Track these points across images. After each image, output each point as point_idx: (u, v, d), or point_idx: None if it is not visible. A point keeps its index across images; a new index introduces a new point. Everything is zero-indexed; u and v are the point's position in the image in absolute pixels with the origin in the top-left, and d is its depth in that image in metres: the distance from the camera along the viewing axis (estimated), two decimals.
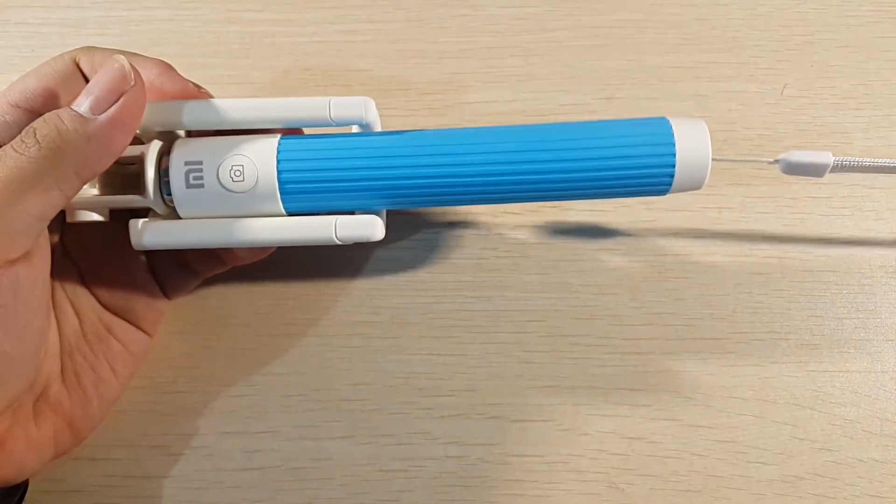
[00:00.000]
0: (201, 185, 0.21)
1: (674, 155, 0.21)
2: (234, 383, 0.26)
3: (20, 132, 0.19)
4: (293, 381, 0.26)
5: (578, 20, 0.30)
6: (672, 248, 0.27)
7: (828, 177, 0.28)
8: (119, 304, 0.24)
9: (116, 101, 0.19)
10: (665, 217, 0.28)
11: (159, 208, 0.22)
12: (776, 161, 0.23)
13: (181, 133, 0.23)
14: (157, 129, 0.22)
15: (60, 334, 0.23)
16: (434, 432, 0.26)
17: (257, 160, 0.21)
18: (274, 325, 0.27)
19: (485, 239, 0.28)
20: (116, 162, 0.20)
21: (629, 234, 0.28)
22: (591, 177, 0.21)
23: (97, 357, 0.23)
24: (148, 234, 0.22)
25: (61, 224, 0.23)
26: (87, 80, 0.21)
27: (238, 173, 0.21)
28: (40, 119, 0.19)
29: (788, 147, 0.28)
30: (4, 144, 0.19)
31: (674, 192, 0.22)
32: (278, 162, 0.21)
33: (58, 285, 0.23)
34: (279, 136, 0.22)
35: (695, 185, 0.22)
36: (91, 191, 0.22)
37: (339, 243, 0.22)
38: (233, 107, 0.22)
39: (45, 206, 0.19)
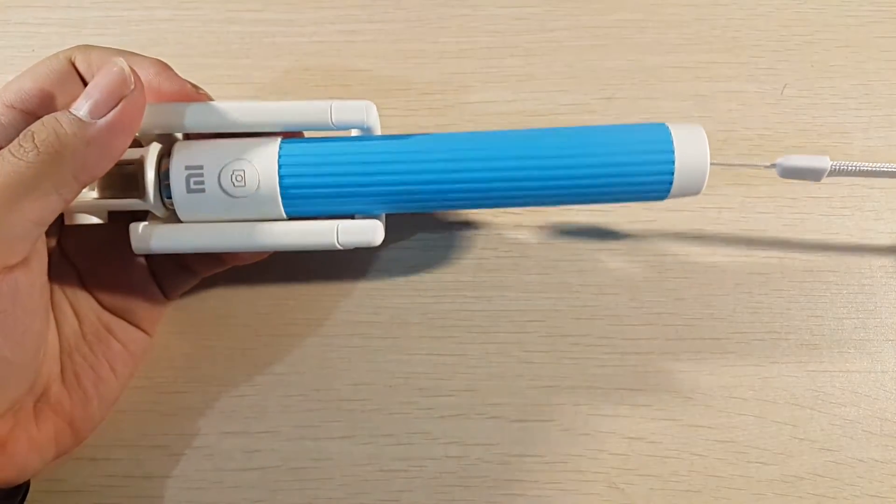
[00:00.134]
0: (202, 190, 0.21)
1: (672, 162, 0.21)
2: (234, 383, 0.26)
3: (16, 134, 0.19)
4: (293, 381, 0.26)
5: (578, 20, 0.30)
6: (672, 248, 0.27)
7: (828, 177, 0.28)
8: (118, 304, 0.24)
9: (116, 105, 0.19)
10: (665, 217, 0.28)
11: (159, 211, 0.22)
12: (773, 165, 0.23)
13: (180, 135, 0.23)
14: (157, 131, 0.22)
15: (60, 335, 0.23)
16: (434, 432, 0.26)
17: (259, 165, 0.21)
18: (274, 325, 0.27)
19: (485, 239, 0.28)
20: (115, 164, 0.20)
21: (629, 234, 0.28)
22: (589, 183, 0.22)
23: (97, 357, 0.23)
24: (149, 238, 0.22)
25: (60, 226, 0.23)
26: (83, 80, 0.21)
27: (239, 178, 0.21)
28: (38, 123, 0.19)
29: (788, 147, 0.28)
30: (1, 148, 0.18)
31: (672, 197, 0.22)
32: (280, 167, 0.21)
33: (57, 286, 0.23)
34: (280, 139, 0.22)
35: (693, 191, 0.22)
36: (90, 194, 0.22)
37: (341, 248, 0.22)
38: (233, 110, 0.21)
39: (43, 211, 0.19)
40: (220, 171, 0.21)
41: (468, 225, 0.28)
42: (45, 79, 0.20)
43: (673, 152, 0.21)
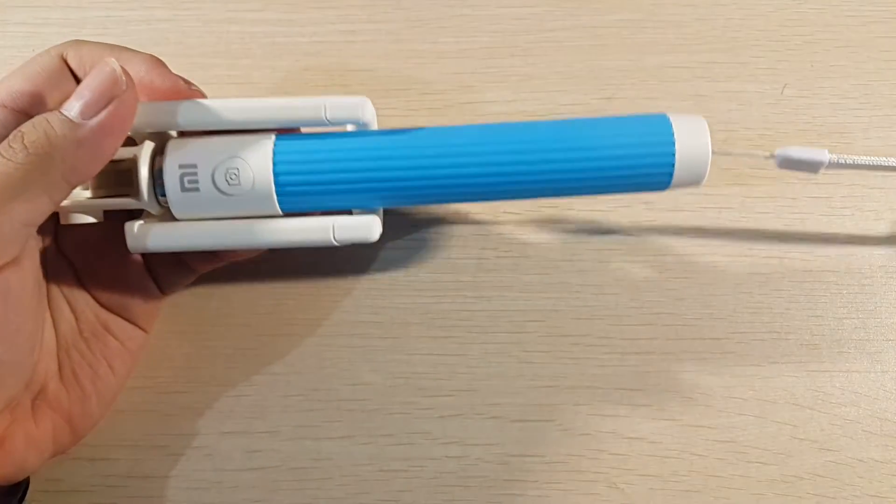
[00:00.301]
0: (196, 189, 0.21)
1: (673, 153, 0.21)
2: (234, 383, 0.26)
3: (7, 133, 0.18)
4: (293, 381, 0.26)
5: (578, 20, 0.30)
6: (672, 248, 0.27)
7: (827, 177, 0.28)
8: (115, 301, 0.24)
9: (107, 105, 0.19)
10: (665, 217, 0.28)
11: (154, 209, 0.22)
12: (772, 156, 0.23)
13: (173, 132, 0.23)
14: (150, 130, 0.22)
15: (57, 332, 0.23)
16: (434, 432, 0.26)
17: (253, 162, 0.21)
18: (274, 325, 0.27)
19: (485, 239, 0.28)
20: (109, 162, 0.20)
21: (629, 234, 0.28)
22: (590, 174, 0.21)
23: (94, 354, 0.23)
24: (145, 237, 0.22)
25: (55, 224, 0.23)
26: (75, 76, 0.21)
27: (234, 176, 0.21)
28: (28, 123, 0.18)
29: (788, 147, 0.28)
30: None
31: (674, 187, 0.22)
32: (274, 164, 0.21)
33: (53, 284, 0.23)
34: (274, 135, 0.22)
35: (695, 181, 0.22)
36: (84, 193, 0.22)
37: (337, 245, 0.22)
38: (227, 107, 0.21)
39: (33, 212, 0.18)
40: (215, 170, 0.21)
41: (468, 225, 0.28)
42: (36, 77, 0.20)
43: (674, 143, 0.21)
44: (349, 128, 0.23)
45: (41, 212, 0.19)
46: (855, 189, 0.28)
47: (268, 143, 0.22)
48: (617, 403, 0.26)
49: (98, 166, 0.20)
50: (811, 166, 0.23)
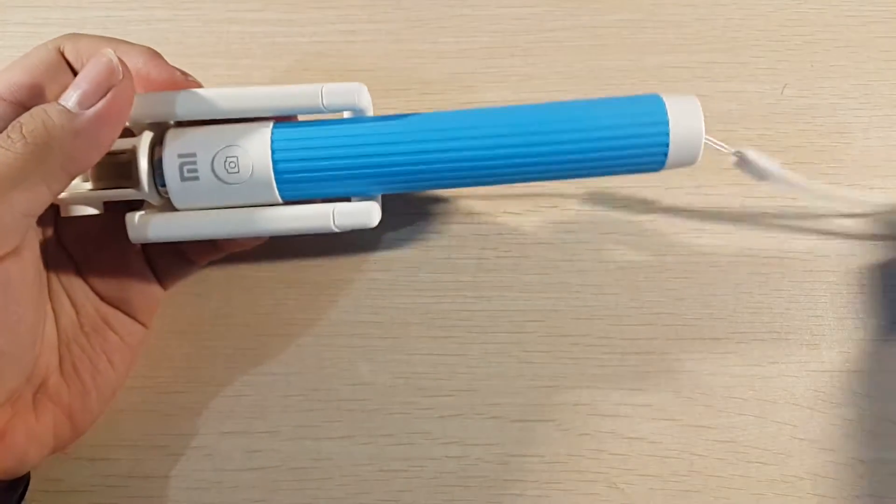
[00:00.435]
0: (196, 178, 0.21)
1: (667, 133, 0.21)
2: (234, 383, 0.26)
3: (5, 125, 0.19)
4: (293, 381, 0.26)
5: (578, 20, 0.30)
6: (672, 248, 0.27)
7: (828, 177, 0.28)
8: (116, 294, 0.24)
9: (104, 95, 0.19)
10: (665, 217, 0.28)
11: (154, 200, 0.22)
12: (738, 152, 0.24)
13: (171, 123, 0.23)
14: (148, 120, 0.22)
15: (58, 326, 0.23)
16: (434, 432, 0.26)
17: (251, 150, 0.21)
18: (274, 325, 0.27)
19: (485, 239, 0.28)
20: (108, 154, 0.20)
21: (629, 234, 0.28)
22: (585, 155, 0.21)
23: (94, 349, 0.23)
24: (146, 228, 0.22)
25: (55, 216, 0.23)
26: (72, 69, 0.21)
27: (233, 164, 0.21)
28: (27, 114, 0.19)
29: (788, 147, 0.28)
30: None
31: (669, 168, 0.22)
32: (273, 151, 0.21)
33: (54, 277, 0.23)
34: (272, 123, 0.22)
35: (689, 161, 0.22)
36: (84, 185, 0.22)
37: (337, 231, 0.22)
38: (225, 96, 0.21)
39: (31, 202, 0.19)
40: (213, 158, 0.21)
41: (468, 225, 0.28)
42: (34, 70, 0.20)
43: (667, 123, 0.21)
44: (346, 114, 0.23)
45: (40, 202, 0.19)
46: (855, 189, 0.28)
47: (266, 131, 0.22)
48: (617, 403, 0.26)
49: (96, 156, 0.20)
50: (761, 174, 0.24)
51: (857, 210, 0.27)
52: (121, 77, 0.19)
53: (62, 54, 0.21)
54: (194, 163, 0.21)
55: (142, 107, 0.21)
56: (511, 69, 0.29)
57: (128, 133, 0.22)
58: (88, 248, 0.24)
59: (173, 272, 0.25)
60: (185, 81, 0.22)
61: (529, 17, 0.30)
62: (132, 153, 0.21)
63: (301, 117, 0.24)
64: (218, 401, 0.26)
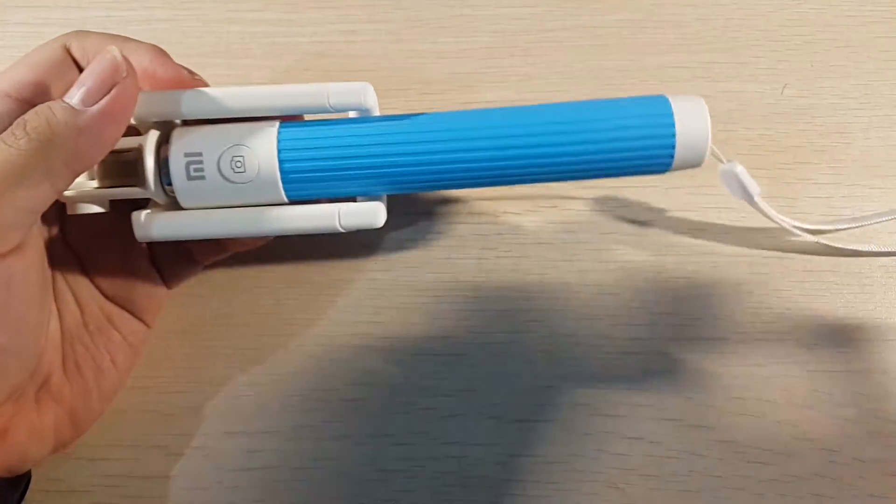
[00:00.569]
0: (202, 178, 0.21)
1: (673, 135, 0.21)
2: (234, 383, 0.26)
3: (11, 123, 0.19)
4: (293, 381, 0.26)
5: (578, 20, 0.30)
6: (672, 248, 0.27)
7: (828, 177, 0.28)
8: (120, 293, 0.24)
9: (108, 92, 0.19)
10: (665, 217, 0.28)
11: (160, 198, 0.22)
12: (729, 161, 0.24)
13: (178, 121, 0.23)
14: (154, 119, 0.22)
15: (62, 324, 0.23)
16: (434, 432, 0.26)
17: (258, 150, 0.21)
18: (274, 325, 0.27)
19: (485, 239, 0.28)
20: (114, 152, 0.20)
21: (629, 235, 0.28)
22: (591, 157, 0.21)
23: (98, 348, 0.23)
24: (152, 226, 0.22)
25: (61, 214, 0.23)
26: (78, 67, 0.21)
27: (239, 164, 0.21)
28: (31, 111, 0.19)
29: (788, 147, 0.28)
30: None
31: (675, 169, 0.22)
32: (279, 151, 0.21)
33: (59, 275, 0.23)
34: (278, 123, 0.22)
35: (696, 163, 0.22)
36: (90, 183, 0.22)
37: (343, 231, 0.22)
38: (231, 95, 0.21)
39: (34, 199, 0.19)
40: (220, 158, 0.21)
41: (468, 225, 0.28)
42: (40, 67, 0.20)
43: (673, 125, 0.21)
44: (351, 114, 0.23)
45: (43, 198, 0.19)
46: (855, 189, 0.28)
47: (272, 131, 0.22)
48: (617, 403, 0.26)
49: (100, 153, 0.20)
50: (741, 192, 0.24)
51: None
52: (125, 74, 0.19)
53: (69, 52, 0.21)
54: (200, 162, 0.21)
55: (148, 105, 0.21)
56: (511, 69, 0.29)
57: (134, 132, 0.22)
58: (94, 246, 0.24)
59: (178, 272, 0.25)
60: (191, 80, 0.22)
61: (529, 17, 0.30)
62: (138, 152, 0.21)
63: (306, 116, 0.24)
64: (218, 401, 0.26)
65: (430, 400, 0.26)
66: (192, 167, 0.21)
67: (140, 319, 0.25)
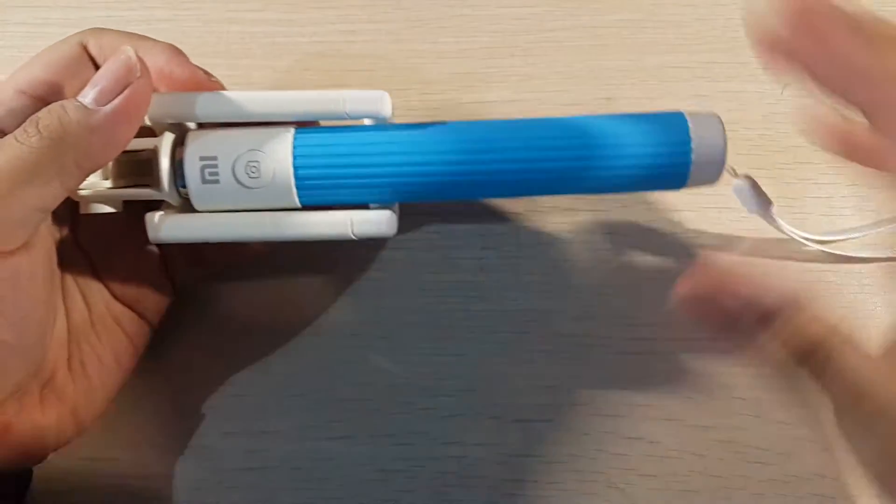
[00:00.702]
0: (217, 181, 0.21)
1: (688, 153, 0.21)
2: (234, 383, 0.26)
3: (24, 121, 0.19)
4: (293, 381, 0.26)
5: (578, 20, 0.30)
6: (672, 248, 0.27)
7: (828, 177, 0.28)
8: (129, 293, 0.24)
9: (122, 92, 0.19)
10: (665, 217, 0.28)
11: (174, 200, 0.22)
12: (745, 176, 0.24)
13: (192, 124, 0.23)
14: (169, 120, 0.22)
15: (69, 323, 0.23)
16: (434, 432, 0.26)
17: (273, 156, 0.21)
18: (274, 325, 0.27)
19: (485, 239, 0.28)
20: (129, 153, 0.20)
21: (629, 235, 0.28)
22: (607, 173, 0.21)
23: (103, 347, 0.23)
24: (165, 228, 0.22)
25: (74, 214, 0.23)
26: (95, 65, 0.21)
27: (254, 169, 0.21)
28: (45, 109, 0.19)
29: (788, 147, 0.28)
30: (10, 133, 0.19)
31: (690, 186, 0.22)
32: (294, 158, 0.21)
33: (69, 274, 0.23)
34: (293, 129, 0.22)
35: (710, 180, 0.22)
36: (104, 183, 0.22)
37: (355, 238, 0.22)
38: (247, 100, 0.21)
39: (44, 197, 0.19)
40: (235, 162, 0.21)
41: (469, 225, 0.28)
42: (56, 65, 0.21)
43: (689, 142, 0.21)
44: (366, 121, 0.23)
45: (53, 197, 0.19)
46: (855, 189, 0.28)
47: (287, 137, 0.22)
48: (617, 403, 0.26)
49: (112, 153, 0.20)
50: (755, 206, 0.25)
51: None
52: (139, 75, 0.19)
53: (86, 49, 0.21)
54: (216, 166, 0.21)
55: (163, 107, 0.21)
56: (511, 69, 0.29)
57: (149, 133, 0.22)
58: (106, 247, 0.24)
59: (188, 276, 0.25)
60: (207, 81, 0.22)
61: (529, 17, 0.30)
62: (153, 153, 0.21)
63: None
64: (218, 401, 0.26)
65: (430, 400, 0.26)
66: (207, 171, 0.21)
67: (145, 320, 0.25)
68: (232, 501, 0.25)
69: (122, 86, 0.19)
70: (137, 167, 0.22)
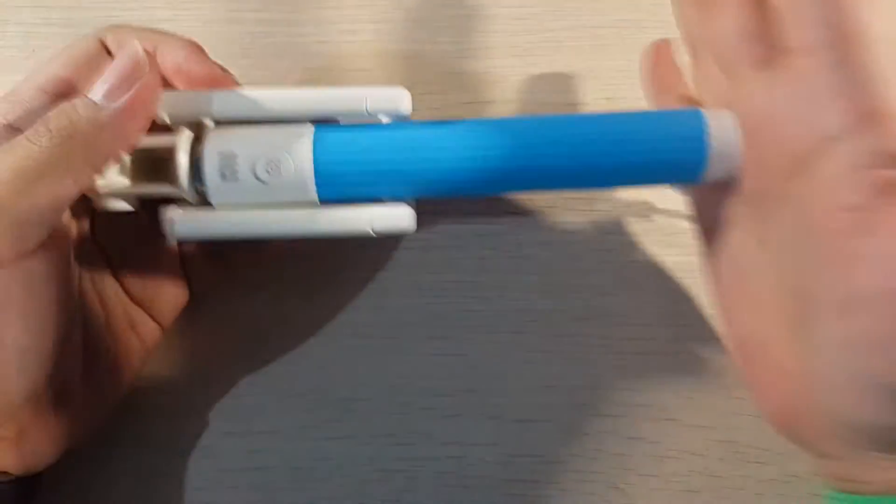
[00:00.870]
0: (236, 179, 0.21)
1: (703, 150, 0.21)
2: (234, 383, 0.26)
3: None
4: (293, 381, 0.26)
5: (578, 20, 0.30)
6: (672, 248, 0.27)
7: None
8: (146, 295, 0.24)
9: (130, 89, 0.19)
10: (665, 217, 0.28)
11: (191, 197, 0.22)
12: None
13: (210, 122, 0.23)
14: (187, 118, 0.22)
15: (85, 327, 0.23)
16: (434, 432, 0.26)
17: (293, 154, 0.21)
18: (274, 325, 0.27)
19: (485, 239, 0.28)
20: (146, 150, 0.20)
21: (629, 235, 0.28)
22: (624, 168, 0.22)
23: (118, 350, 0.23)
24: (182, 225, 0.22)
25: (91, 213, 0.23)
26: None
27: (273, 167, 0.21)
28: (56, 108, 0.19)
29: None
30: None
31: (704, 182, 0.22)
32: (314, 155, 0.21)
33: (87, 277, 0.23)
34: (313, 126, 0.22)
35: (723, 175, 0.22)
36: (121, 180, 0.22)
37: (374, 235, 0.22)
38: (267, 98, 0.21)
39: (56, 196, 0.18)
40: (255, 160, 0.21)
41: (469, 225, 0.28)
42: (75, 62, 0.21)
43: (705, 138, 0.21)
44: (383, 119, 0.23)
45: (66, 195, 0.19)
46: None
47: (307, 134, 0.22)
48: (617, 403, 0.26)
49: (122, 149, 0.20)
50: None
51: None
52: (146, 70, 0.19)
53: (105, 46, 0.21)
54: (235, 163, 0.21)
55: (181, 104, 0.21)
56: (511, 69, 0.29)
57: (166, 130, 0.22)
58: (124, 246, 0.24)
59: (204, 277, 0.25)
60: (224, 78, 0.22)
61: (529, 17, 0.30)
62: (170, 151, 0.21)
63: None
64: (218, 401, 0.26)
65: (430, 400, 0.26)
66: (226, 168, 0.21)
67: (157, 321, 0.25)
68: (232, 501, 0.25)
69: (130, 82, 0.19)
70: (155, 164, 0.22)
